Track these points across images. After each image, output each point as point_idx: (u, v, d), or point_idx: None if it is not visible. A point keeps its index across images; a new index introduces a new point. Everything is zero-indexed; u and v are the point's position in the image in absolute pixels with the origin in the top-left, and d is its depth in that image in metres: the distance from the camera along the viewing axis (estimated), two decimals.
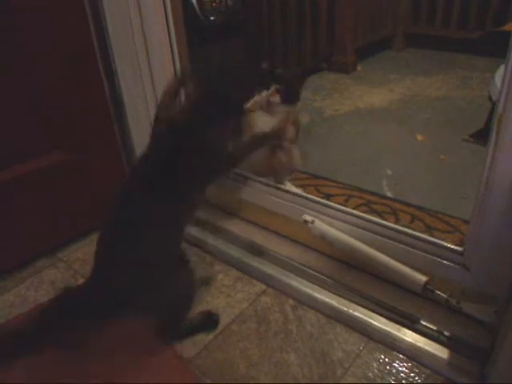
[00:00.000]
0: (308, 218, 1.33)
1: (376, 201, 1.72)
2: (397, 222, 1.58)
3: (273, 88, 1.45)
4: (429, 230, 1.54)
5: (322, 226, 1.30)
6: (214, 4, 2.46)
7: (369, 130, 2.32)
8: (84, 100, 1.45)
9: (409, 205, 1.68)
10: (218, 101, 1.08)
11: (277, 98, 1.45)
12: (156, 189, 1.06)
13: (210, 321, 1.22)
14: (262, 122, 1.43)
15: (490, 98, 2.46)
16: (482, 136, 2.08)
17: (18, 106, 1.34)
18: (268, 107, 1.46)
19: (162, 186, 1.06)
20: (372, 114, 2.50)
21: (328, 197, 1.72)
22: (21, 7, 1.26)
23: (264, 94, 1.46)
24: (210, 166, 1.11)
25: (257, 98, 1.46)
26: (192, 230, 1.50)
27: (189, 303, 1.18)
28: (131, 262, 1.07)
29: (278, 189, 1.45)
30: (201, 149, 1.07)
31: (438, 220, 1.59)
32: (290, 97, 1.49)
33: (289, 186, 1.66)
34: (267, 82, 1.45)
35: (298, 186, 1.63)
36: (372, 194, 1.76)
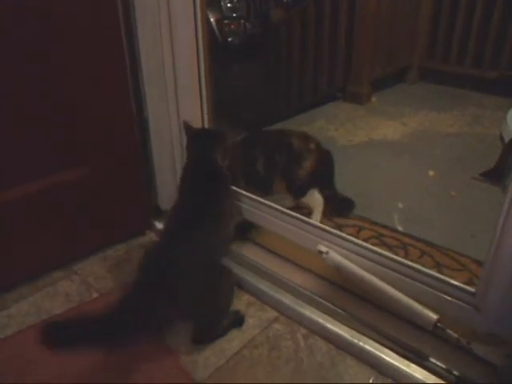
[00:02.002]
0: (323, 248, 1.35)
1: (387, 234, 1.74)
2: (406, 256, 1.60)
3: None
4: (438, 266, 1.56)
5: (336, 257, 1.33)
6: (232, 26, 2.53)
7: (381, 162, 2.35)
8: (111, 119, 1.50)
9: (419, 240, 1.70)
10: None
11: None
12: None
13: (237, 318, 1.33)
14: None
15: (501, 138, 2.51)
16: (492, 175, 2.10)
17: (47, 121, 1.38)
18: None
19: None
20: (384, 147, 2.54)
21: (340, 227, 1.75)
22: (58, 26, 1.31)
23: None
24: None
25: None
26: None
27: (229, 305, 1.29)
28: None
29: (292, 216, 1.47)
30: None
31: (447, 257, 1.61)
32: None
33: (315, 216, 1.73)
34: None
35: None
36: (383, 227, 1.78)
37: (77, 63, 1.37)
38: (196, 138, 1.44)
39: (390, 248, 1.65)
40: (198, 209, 1.29)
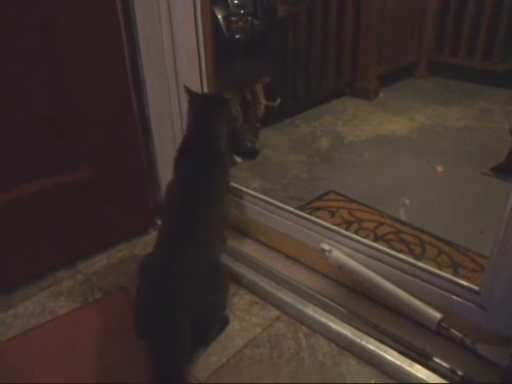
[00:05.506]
0: (325, 246, 1.34)
1: (406, 231, 1.72)
2: (423, 254, 1.59)
3: None
4: (454, 266, 1.53)
5: (339, 255, 1.31)
6: (239, 23, 2.51)
7: (388, 158, 2.33)
8: (113, 118, 1.49)
9: (438, 238, 1.67)
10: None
11: None
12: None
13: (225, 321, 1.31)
14: None
15: (510, 132, 2.47)
16: (502, 170, 2.07)
17: (49, 121, 1.38)
18: None
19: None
20: (392, 142, 2.51)
21: (359, 222, 1.74)
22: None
23: None
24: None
25: None
26: None
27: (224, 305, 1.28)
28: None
29: (295, 214, 1.46)
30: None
31: (465, 256, 1.58)
32: None
33: None
34: None
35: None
36: (404, 223, 1.77)
37: (75, 57, 1.37)
38: (197, 105, 1.42)
39: (406, 245, 1.63)
40: (195, 201, 1.26)
